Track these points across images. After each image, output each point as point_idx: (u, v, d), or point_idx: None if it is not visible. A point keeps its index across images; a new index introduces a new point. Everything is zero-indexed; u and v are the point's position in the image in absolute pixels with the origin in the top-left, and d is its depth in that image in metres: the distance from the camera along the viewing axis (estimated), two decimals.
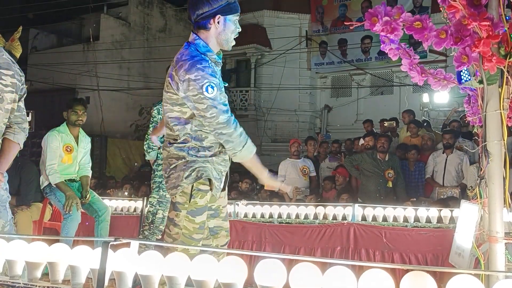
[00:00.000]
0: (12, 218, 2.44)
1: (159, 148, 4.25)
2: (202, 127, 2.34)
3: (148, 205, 4.26)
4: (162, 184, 4.12)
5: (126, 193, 7.63)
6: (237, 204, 4.91)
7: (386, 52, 1.93)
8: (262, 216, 4.75)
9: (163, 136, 4.14)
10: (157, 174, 4.21)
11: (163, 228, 4.17)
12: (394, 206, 4.60)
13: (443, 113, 11.32)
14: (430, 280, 1.31)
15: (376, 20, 1.69)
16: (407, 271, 1.41)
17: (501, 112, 1.75)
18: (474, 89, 1.89)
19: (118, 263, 1.57)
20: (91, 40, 15.83)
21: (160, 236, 4.18)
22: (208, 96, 2.20)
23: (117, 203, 5.58)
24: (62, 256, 1.68)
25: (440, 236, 4.07)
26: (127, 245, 1.67)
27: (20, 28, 5.22)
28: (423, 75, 1.89)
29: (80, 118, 4.62)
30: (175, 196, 2.36)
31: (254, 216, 4.85)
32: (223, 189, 2.55)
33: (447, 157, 6.38)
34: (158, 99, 4.77)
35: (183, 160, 2.36)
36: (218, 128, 2.28)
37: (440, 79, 1.87)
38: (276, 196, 6.48)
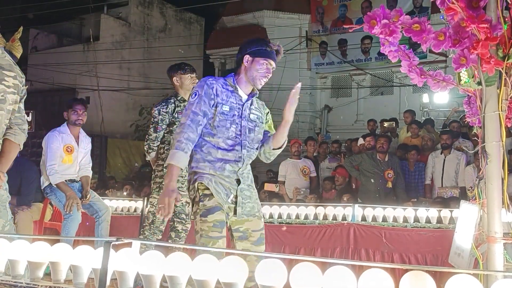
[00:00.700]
0: (12, 218, 2.45)
1: (159, 149, 4.26)
2: (208, 141, 2.67)
3: (149, 205, 4.27)
4: (163, 185, 4.13)
5: (125, 193, 7.63)
6: None
7: (386, 54, 1.94)
8: (262, 216, 4.75)
9: (164, 136, 4.19)
10: (157, 175, 4.21)
11: (164, 228, 4.19)
12: (394, 206, 4.61)
13: (443, 114, 11.32)
14: (430, 280, 1.32)
15: (375, 22, 1.70)
16: (407, 271, 1.42)
17: (499, 114, 1.76)
18: (473, 90, 1.90)
19: (119, 263, 1.58)
20: (91, 40, 15.82)
21: (160, 237, 4.19)
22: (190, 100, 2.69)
23: (118, 203, 5.59)
24: (64, 256, 1.69)
25: (440, 236, 4.08)
26: (129, 245, 1.68)
27: (21, 28, 5.22)
28: (422, 76, 1.91)
29: (80, 118, 4.62)
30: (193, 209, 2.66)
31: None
32: (253, 215, 2.74)
33: (445, 157, 6.39)
34: (158, 99, 4.79)
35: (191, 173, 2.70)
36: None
37: (439, 80, 1.88)
38: (275, 197, 6.49)
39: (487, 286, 1.73)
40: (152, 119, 4.25)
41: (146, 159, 4.51)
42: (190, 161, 2.67)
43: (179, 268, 1.54)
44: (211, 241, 2.49)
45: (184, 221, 4.27)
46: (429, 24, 1.75)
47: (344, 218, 4.57)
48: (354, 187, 6.87)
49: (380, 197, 6.11)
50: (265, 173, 10.12)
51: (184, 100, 4.24)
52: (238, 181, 2.69)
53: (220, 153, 2.66)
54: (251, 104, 2.82)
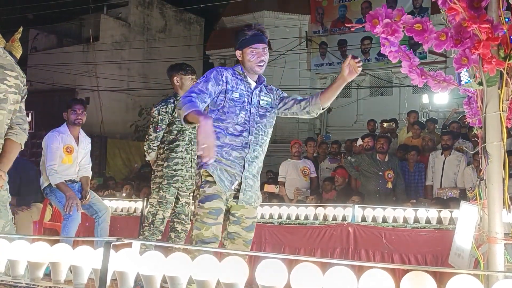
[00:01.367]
0: (12, 218, 2.44)
1: (159, 149, 4.26)
2: (217, 125, 2.72)
3: (148, 206, 4.26)
4: (162, 185, 4.13)
5: (124, 194, 7.62)
6: None
7: (386, 54, 1.94)
8: (262, 216, 4.76)
9: (164, 136, 4.19)
10: (157, 175, 4.21)
11: (163, 228, 4.19)
12: (393, 207, 4.61)
13: (443, 114, 11.31)
14: (430, 280, 1.32)
15: (377, 22, 1.70)
16: (407, 271, 1.42)
17: (500, 114, 1.76)
18: (474, 90, 1.90)
19: (120, 263, 1.57)
20: (91, 40, 15.83)
21: (160, 237, 4.19)
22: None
23: (117, 204, 5.58)
24: (64, 256, 1.68)
25: (440, 237, 4.08)
26: (129, 245, 1.68)
27: (21, 28, 5.22)
28: (423, 77, 1.90)
29: (79, 117, 4.62)
30: (195, 193, 2.78)
31: None
32: (250, 204, 2.82)
33: (445, 158, 6.39)
34: (158, 100, 4.78)
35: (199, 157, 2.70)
36: None
37: (440, 81, 1.88)
38: (275, 198, 6.49)
39: (488, 287, 1.72)
40: (152, 119, 4.25)
41: (146, 159, 4.50)
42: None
43: (180, 268, 1.54)
44: (204, 226, 2.61)
45: (184, 222, 4.27)
46: (430, 24, 1.75)
47: (344, 219, 4.57)
48: (355, 188, 6.86)
49: (380, 197, 6.11)
50: (265, 174, 10.14)
51: None
52: (244, 167, 2.76)
53: (228, 139, 2.73)
54: (260, 91, 2.89)
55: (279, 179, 7.08)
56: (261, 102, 2.88)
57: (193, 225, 2.70)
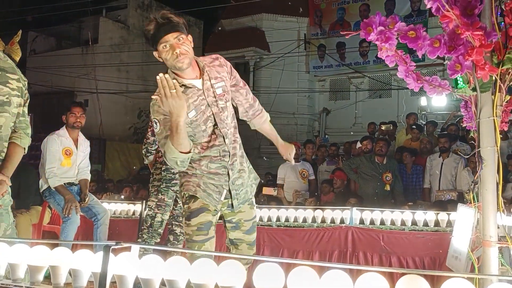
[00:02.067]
0: (14, 221, 2.45)
1: (157, 152, 4.28)
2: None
3: (147, 209, 4.28)
4: (161, 188, 4.15)
5: (122, 197, 7.63)
6: None
7: (383, 59, 1.97)
8: (261, 219, 4.77)
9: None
10: (155, 178, 4.23)
11: (162, 231, 4.20)
12: (391, 209, 4.63)
13: (441, 117, 11.35)
14: (425, 284, 1.34)
15: (371, 29, 1.73)
16: (403, 275, 1.44)
17: (494, 119, 1.78)
18: (468, 96, 1.92)
19: (119, 267, 1.59)
20: (90, 43, 15.85)
21: (158, 240, 4.21)
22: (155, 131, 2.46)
23: (116, 206, 5.60)
24: (64, 259, 1.70)
25: (438, 239, 4.10)
26: (128, 249, 1.69)
27: (20, 32, 5.24)
28: (418, 81, 1.93)
29: (78, 120, 4.63)
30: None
31: None
32: (249, 203, 2.69)
33: (443, 161, 6.41)
34: None
35: (181, 175, 2.60)
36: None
37: (435, 86, 1.90)
38: (274, 200, 6.51)
39: None
40: (150, 122, 4.26)
41: (145, 162, 4.52)
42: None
43: (178, 272, 1.56)
44: (196, 245, 2.44)
45: (182, 224, 4.28)
46: (424, 31, 1.78)
47: (342, 221, 4.58)
48: (353, 190, 6.88)
49: (378, 200, 6.13)
50: (263, 176, 10.15)
51: None
52: (228, 176, 2.53)
53: (205, 152, 2.48)
54: (210, 80, 2.49)
55: (278, 182, 7.09)
56: (217, 91, 2.50)
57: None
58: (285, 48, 14.75)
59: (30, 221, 5.09)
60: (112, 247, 1.59)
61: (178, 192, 4.15)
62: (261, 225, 4.73)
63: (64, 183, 4.54)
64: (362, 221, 4.54)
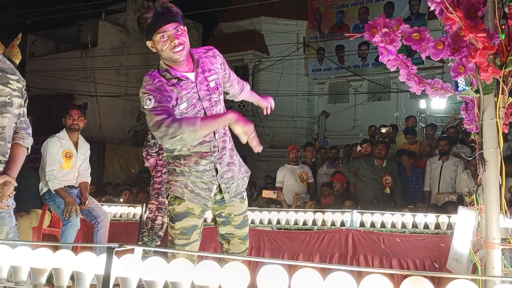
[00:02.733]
0: (16, 224, 2.45)
1: (157, 155, 4.28)
2: None
3: (147, 211, 4.28)
4: (161, 191, 4.15)
5: (121, 200, 7.62)
6: None
7: (384, 63, 1.97)
8: (261, 222, 4.77)
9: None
10: (156, 181, 4.23)
11: (162, 234, 4.20)
12: (392, 212, 4.63)
13: (440, 119, 11.38)
14: (429, 286, 1.34)
15: (376, 31, 1.73)
16: (406, 277, 1.44)
17: (497, 121, 1.79)
18: (471, 97, 1.93)
19: (122, 269, 1.59)
20: (89, 46, 15.87)
21: (159, 243, 4.20)
22: (145, 107, 2.28)
23: (116, 209, 5.59)
24: (66, 262, 1.70)
25: (438, 242, 4.10)
26: (131, 251, 1.69)
27: (20, 35, 5.23)
28: (420, 85, 1.93)
29: (75, 122, 4.62)
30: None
31: (252, 222, 4.86)
32: (240, 197, 2.61)
33: (442, 163, 6.42)
34: None
35: (167, 172, 2.54)
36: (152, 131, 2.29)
37: (437, 88, 1.91)
38: (273, 203, 6.50)
39: None
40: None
41: (145, 165, 4.52)
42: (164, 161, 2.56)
43: (182, 274, 1.56)
44: (175, 247, 2.40)
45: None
46: (428, 33, 1.79)
47: (342, 224, 4.58)
48: (353, 193, 6.88)
49: (378, 203, 6.13)
50: (263, 179, 10.15)
51: None
52: (216, 171, 2.47)
53: (195, 148, 2.41)
54: (203, 73, 2.44)
55: (277, 185, 7.09)
56: (211, 84, 2.45)
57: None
58: (284, 51, 14.78)
59: (30, 224, 5.08)
60: (116, 249, 1.59)
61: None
62: (261, 227, 4.73)
63: (64, 186, 4.53)
64: (362, 224, 4.54)
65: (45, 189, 4.57)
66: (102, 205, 5.06)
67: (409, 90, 2.14)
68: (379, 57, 1.95)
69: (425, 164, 6.67)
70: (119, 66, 16.44)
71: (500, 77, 1.74)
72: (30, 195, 5.15)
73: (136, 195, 7.93)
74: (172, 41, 2.28)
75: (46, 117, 14.28)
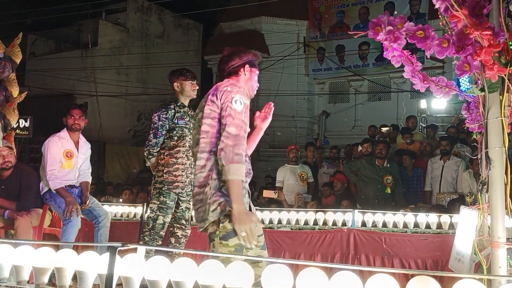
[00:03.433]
0: None
1: (159, 155, 4.26)
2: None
3: (149, 211, 4.26)
4: (163, 190, 4.14)
5: (120, 200, 7.60)
6: None
7: (389, 59, 1.96)
8: (262, 221, 4.76)
9: (164, 141, 4.20)
10: (157, 180, 4.21)
11: (163, 234, 4.18)
12: (393, 212, 4.62)
13: (441, 119, 11.36)
14: (436, 285, 1.33)
15: (380, 29, 1.72)
16: (407, 277, 1.43)
17: (502, 119, 1.78)
18: (475, 96, 1.92)
19: (125, 268, 1.58)
20: (90, 46, 15.84)
21: (160, 242, 4.18)
22: (233, 107, 2.42)
23: (117, 209, 5.58)
24: (69, 261, 1.69)
25: (440, 241, 4.09)
26: (134, 250, 1.68)
27: (20, 34, 5.24)
28: (425, 82, 1.92)
29: (76, 122, 4.62)
30: (208, 228, 2.42)
31: None
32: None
33: (444, 163, 6.41)
34: (156, 105, 4.81)
35: (208, 189, 2.43)
36: (223, 135, 2.38)
37: (442, 86, 1.90)
38: (274, 203, 6.49)
39: None
40: (152, 125, 4.25)
41: (146, 165, 4.51)
42: (213, 171, 2.45)
43: (185, 273, 1.55)
44: None
45: (184, 227, 4.27)
46: (432, 31, 1.77)
47: (344, 224, 4.57)
48: (354, 193, 6.87)
49: (379, 202, 6.12)
50: (263, 179, 10.14)
51: (184, 106, 4.25)
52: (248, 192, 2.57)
53: (246, 164, 2.51)
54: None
55: (277, 184, 7.08)
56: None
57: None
58: (285, 51, 14.76)
59: (30, 223, 5.06)
60: (119, 248, 1.58)
61: (193, 180, 4.16)
62: (262, 227, 4.71)
63: (65, 186, 4.52)
64: (364, 224, 4.53)
65: (45, 189, 4.56)
66: (103, 204, 5.05)
67: (409, 90, 2.12)
68: (384, 53, 1.94)
69: (425, 164, 6.66)
70: (120, 66, 16.42)
71: (505, 75, 1.73)
72: (31, 194, 5.13)
73: (137, 194, 7.91)
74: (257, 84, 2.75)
75: (46, 116, 14.22)
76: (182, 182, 4.17)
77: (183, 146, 4.19)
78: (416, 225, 4.36)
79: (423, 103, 11.82)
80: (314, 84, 16.18)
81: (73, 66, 15.33)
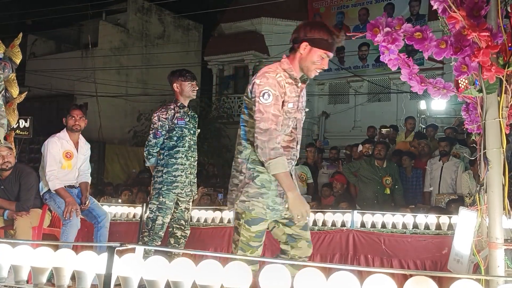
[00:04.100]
0: None
1: (158, 155, 4.26)
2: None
3: (148, 211, 4.26)
4: (162, 191, 4.13)
5: (119, 200, 7.60)
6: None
7: (386, 62, 1.96)
8: None
9: (164, 142, 4.20)
10: (157, 181, 4.21)
11: (163, 234, 4.18)
12: (393, 212, 4.62)
13: (440, 120, 11.36)
14: (434, 286, 1.33)
15: (378, 30, 1.73)
16: (407, 277, 1.43)
17: (500, 120, 1.78)
18: (474, 97, 1.92)
19: (124, 268, 1.58)
20: (90, 46, 15.86)
21: (159, 243, 4.18)
22: (261, 102, 2.42)
23: (116, 209, 5.58)
24: (67, 261, 1.69)
25: (439, 242, 4.09)
26: (132, 250, 1.68)
27: (20, 34, 5.24)
28: (422, 84, 1.93)
29: (77, 123, 4.61)
30: (237, 209, 2.56)
31: None
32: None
33: (443, 164, 6.41)
34: (156, 105, 4.81)
35: (243, 178, 2.55)
36: (256, 131, 2.43)
37: (440, 88, 1.90)
38: None
39: None
40: (152, 125, 4.25)
41: (146, 165, 4.51)
42: (248, 160, 2.54)
43: (183, 273, 1.55)
44: (250, 249, 2.52)
45: (183, 227, 4.27)
46: (430, 32, 1.78)
47: (343, 224, 4.57)
48: (353, 193, 6.87)
49: (378, 203, 6.12)
50: None
51: (184, 107, 4.26)
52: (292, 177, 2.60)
53: (282, 144, 2.57)
54: (302, 91, 2.65)
55: None
56: (304, 103, 2.68)
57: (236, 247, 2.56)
58: (284, 52, 14.75)
59: (30, 224, 5.06)
60: (117, 248, 1.59)
61: (192, 181, 4.27)
62: None
63: (65, 186, 4.52)
64: (363, 224, 4.53)
65: (45, 189, 4.56)
66: (102, 205, 5.05)
67: (409, 91, 2.13)
68: (380, 57, 1.94)
69: (424, 165, 6.66)
70: (120, 66, 16.43)
71: (503, 77, 1.74)
72: (30, 194, 5.13)
73: (136, 195, 7.91)
74: (322, 65, 2.58)
75: (46, 117, 14.25)
76: (181, 183, 4.17)
77: (182, 147, 4.19)
78: (415, 226, 4.36)
79: (422, 104, 11.83)
80: (314, 84, 16.17)
81: (73, 67, 15.34)
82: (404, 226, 4.40)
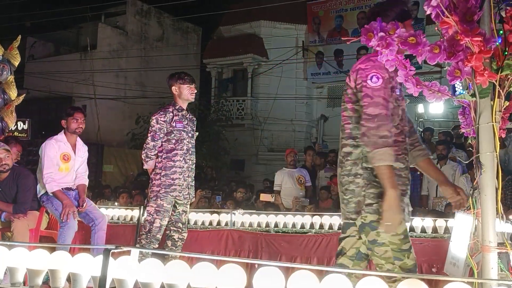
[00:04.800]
0: None
1: (156, 158, 4.27)
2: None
3: (145, 214, 4.26)
4: (160, 193, 4.14)
5: (116, 204, 7.59)
6: (234, 213, 4.95)
7: (383, 63, 1.97)
8: (259, 225, 4.77)
9: (162, 144, 4.20)
10: (154, 183, 4.21)
11: (160, 237, 4.19)
12: None
13: (438, 124, 11.39)
14: None
15: (372, 35, 1.74)
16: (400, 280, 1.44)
17: (493, 125, 1.80)
18: (468, 102, 1.94)
19: (119, 271, 1.59)
20: (89, 48, 15.89)
21: (157, 245, 4.19)
22: (369, 85, 2.17)
23: (114, 212, 5.58)
24: (63, 263, 1.70)
25: (435, 246, 4.10)
26: (128, 253, 1.69)
27: (19, 37, 5.26)
28: (418, 86, 1.94)
29: (80, 126, 4.64)
30: (365, 218, 2.21)
31: (250, 225, 4.87)
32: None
33: (440, 168, 6.42)
34: (154, 108, 4.82)
35: (360, 180, 2.23)
36: (362, 118, 2.16)
37: (434, 91, 1.92)
38: (271, 206, 6.50)
39: None
40: (150, 127, 4.26)
41: (144, 167, 4.52)
42: (362, 159, 2.23)
43: (178, 276, 1.56)
44: (405, 254, 2.19)
45: (181, 230, 4.27)
46: (424, 37, 1.79)
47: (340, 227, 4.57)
48: None
49: None
50: (261, 182, 10.15)
51: (182, 109, 4.27)
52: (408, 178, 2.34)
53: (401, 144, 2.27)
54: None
55: (275, 188, 7.09)
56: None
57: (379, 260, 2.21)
58: (283, 55, 14.80)
59: (27, 226, 5.06)
60: (112, 250, 1.59)
61: (190, 184, 4.19)
62: (259, 230, 4.73)
63: (62, 188, 4.52)
64: None
65: (42, 191, 4.57)
66: (99, 207, 5.05)
67: (406, 94, 2.14)
68: (378, 57, 1.95)
69: None
70: (118, 69, 16.44)
71: (496, 81, 1.75)
72: (28, 197, 5.13)
73: (133, 198, 7.91)
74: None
75: (44, 119, 14.26)
76: (179, 185, 4.17)
77: (180, 149, 4.20)
78: (412, 229, 4.36)
79: (420, 108, 11.86)
80: (312, 88, 16.23)
81: (72, 69, 15.37)
82: None
